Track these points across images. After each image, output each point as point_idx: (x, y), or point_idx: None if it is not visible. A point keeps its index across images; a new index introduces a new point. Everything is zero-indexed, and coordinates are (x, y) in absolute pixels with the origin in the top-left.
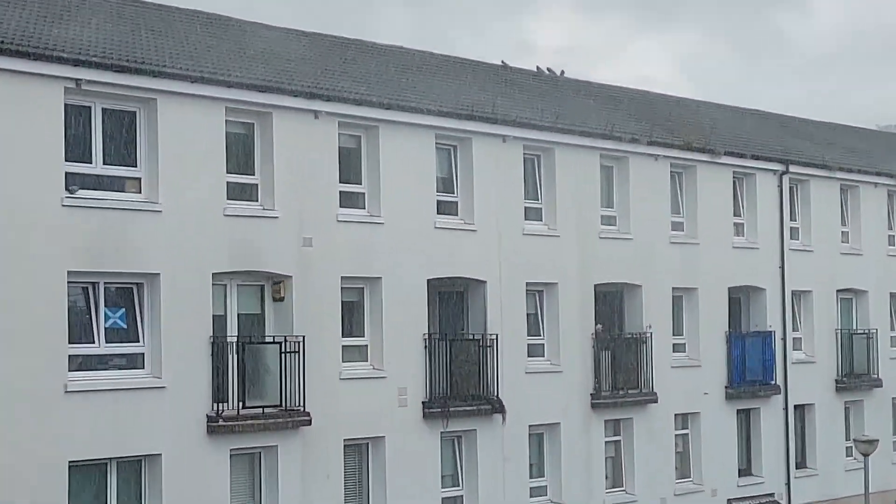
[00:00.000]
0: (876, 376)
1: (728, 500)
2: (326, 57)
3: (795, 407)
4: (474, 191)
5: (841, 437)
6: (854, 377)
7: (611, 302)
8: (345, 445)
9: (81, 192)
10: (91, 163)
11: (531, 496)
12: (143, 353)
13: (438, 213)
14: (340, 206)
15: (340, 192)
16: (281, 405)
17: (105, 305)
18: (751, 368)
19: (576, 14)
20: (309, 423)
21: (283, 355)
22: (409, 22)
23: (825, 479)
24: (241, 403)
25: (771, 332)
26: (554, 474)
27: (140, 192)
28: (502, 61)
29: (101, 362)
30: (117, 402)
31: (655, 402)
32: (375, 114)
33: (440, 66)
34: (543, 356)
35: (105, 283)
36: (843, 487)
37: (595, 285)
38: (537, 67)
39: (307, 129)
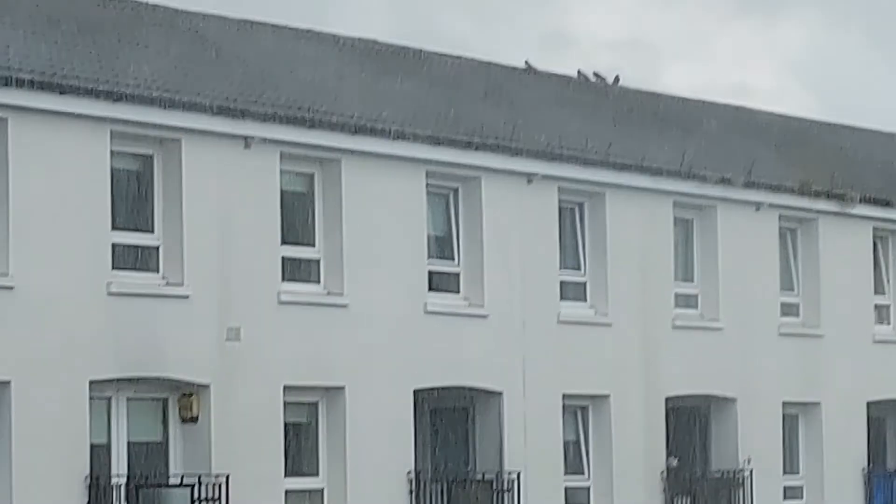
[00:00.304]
0: None
1: None
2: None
3: None
4: (484, 255)
5: None
6: None
7: (690, 424)
8: None
9: None
10: None
11: None
12: None
13: (431, 288)
14: (285, 280)
15: (284, 257)
16: None
17: None
18: None
19: None
20: None
21: None
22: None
23: None
24: None
25: None
26: None
27: None
28: (526, 62)
29: None
30: None
31: None
32: (331, 155)
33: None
34: None
35: None
36: None
37: (666, 399)
38: (578, 72)
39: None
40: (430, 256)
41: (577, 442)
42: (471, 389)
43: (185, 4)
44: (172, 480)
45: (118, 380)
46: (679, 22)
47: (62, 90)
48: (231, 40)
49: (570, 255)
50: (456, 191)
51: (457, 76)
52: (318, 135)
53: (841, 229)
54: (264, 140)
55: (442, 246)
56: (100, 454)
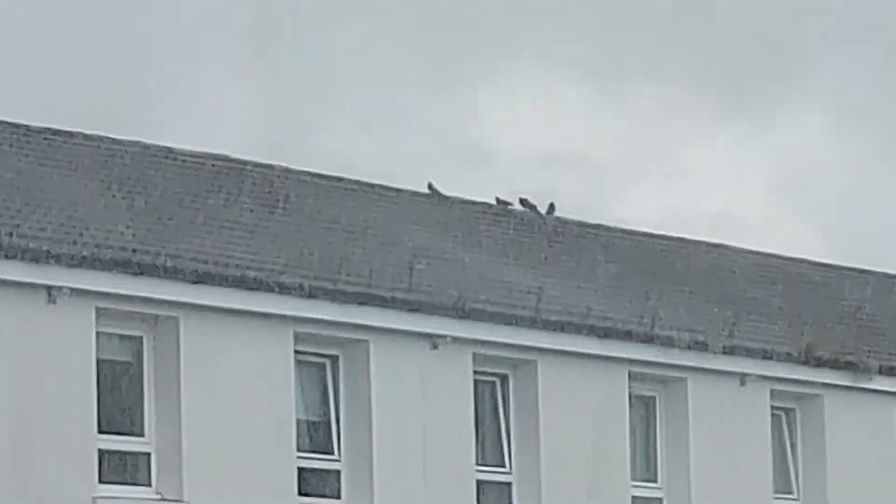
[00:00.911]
0: None
1: None
2: None
3: None
4: (374, 446)
5: None
6: None
7: None
8: None
9: None
10: None
11: None
12: None
13: (301, 491)
14: (102, 481)
15: (102, 451)
16: None
17: None
18: None
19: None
20: None
21: None
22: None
23: None
24: None
25: None
26: None
27: None
28: (429, 184)
29: None
30: None
31: None
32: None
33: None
34: None
35: None
36: None
37: None
38: (497, 199)
39: None
40: (300, 449)
41: None
42: None
43: None
44: None
45: None
46: (634, 130)
47: None
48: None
49: (490, 446)
50: (335, 359)
51: (337, 205)
52: (149, 283)
53: (854, 409)
54: (74, 291)
55: (317, 434)
56: None
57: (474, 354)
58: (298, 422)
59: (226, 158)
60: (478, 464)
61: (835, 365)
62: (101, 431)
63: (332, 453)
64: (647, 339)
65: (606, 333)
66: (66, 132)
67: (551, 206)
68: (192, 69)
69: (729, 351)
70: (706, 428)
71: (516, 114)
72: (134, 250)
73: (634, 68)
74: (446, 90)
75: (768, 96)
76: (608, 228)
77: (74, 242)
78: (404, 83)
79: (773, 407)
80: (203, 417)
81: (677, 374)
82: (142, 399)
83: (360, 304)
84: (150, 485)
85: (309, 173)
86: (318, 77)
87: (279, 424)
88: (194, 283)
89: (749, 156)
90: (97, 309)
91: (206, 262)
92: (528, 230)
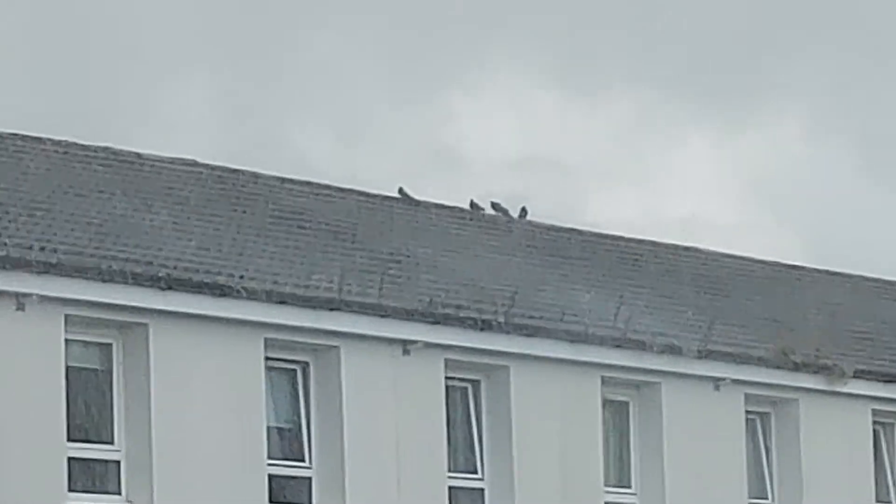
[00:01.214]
0: None
1: None
2: None
3: None
4: (345, 453)
5: None
6: None
7: None
8: None
9: None
10: None
11: None
12: None
13: (272, 499)
14: (72, 489)
15: (71, 458)
16: None
17: None
18: None
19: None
20: None
21: None
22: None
23: None
24: None
25: None
26: None
27: None
28: (400, 189)
29: None
30: None
31: None
32: None
33: None
34: None
35: None
36: None
37: None
38: (472, 203)
39: None
40: (270, 456)
41: None
42: None
43: None
44: None
45: None
46: (608, 134)
47: None
48: None
49: (462, 452)
50: (306, 366)
51: (307, 209)
52: (118, 290)
53: (830, 413)
54: (43, 298)
55: (288, 441)
56: None
57: (446, 360)
58: (269, 429)
59: (194, 163)
60: (450, 470)
61: (810, 369)
62: (70, 439)
63: (304, 460)
64: (621, 344)
65: (579, 338)
66: (34, 138)
67: (523, 210)
68: (158, 74)
69: (703, 355)
70: (680, 433)
71: (488, 118)
72: (103, 256)
73: (607, 71)
74: (417, 93)
75: (742, 100)
76: (581, 232)
77: (43, 249)
78: (375, 87)
79: (747, 411)
80: (173, 425)
81: (651, 378)
82: (111, 407)
83: (331, 309)
84: (119, 493)
85: (278, 178)
86: (287, 80)
87: (250, 432)
88: (164, 289)
89: (722, 159)
90: (66, 316)
91: (175, 267)
92: (500, 234)
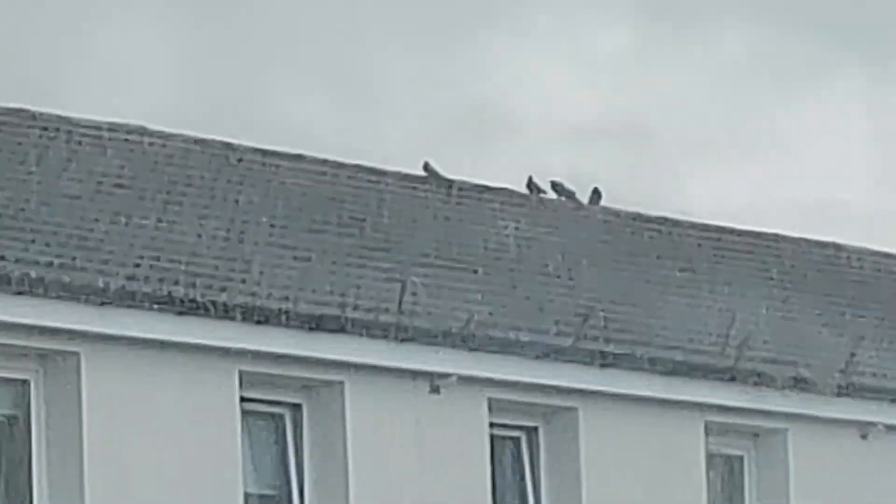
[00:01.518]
0: None
1: None
2: None
3: None
4: None
5: None
6: None
7: None
8: None
9: None
10: None
11: None
12: None
13: None
14: None
15: None
16: None
17: None
18: None
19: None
20: None
21: None
22: None
23: None
24: None
25: None
26: None
27: None
28: (426, 165)
29: None
30: None
31: None
32: None
33: None
34: None
35: None
36: None
37: None
38: (530, 182)
39: None
40: None
41: None
42: None
43: None
44: None
45: None
46: (703, 89)
47: None
48: None
49: None
50: (297, 408)
51: (298, 192)
52: (38, 307)
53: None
54: None
55: None
56: None
57: (490, 400)
58: (247, 496)
59: (142, 130)
60: None
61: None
62: None
63: None
64: (732, 377)
65: (675, 369)
66: None
67: (596, 193)
68: (108, 27)
69: (844, 392)
70: (812, 496)
71: (538, 70)
72: (16, 260)
73: (705, 3)
74: (443, 42)
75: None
76: (672, 222)
77: None
78: (386, 34)
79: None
80: (113, 489)
81: (773, 423)
82: (29, 463)
83: (332, 331)
84: None
85: (258, 150)
86: (270, 28)
87: (220, 500)
88: (100, 305)
89: (865, 126)
90: None
91: (116, 274)
92: (563, 226)
